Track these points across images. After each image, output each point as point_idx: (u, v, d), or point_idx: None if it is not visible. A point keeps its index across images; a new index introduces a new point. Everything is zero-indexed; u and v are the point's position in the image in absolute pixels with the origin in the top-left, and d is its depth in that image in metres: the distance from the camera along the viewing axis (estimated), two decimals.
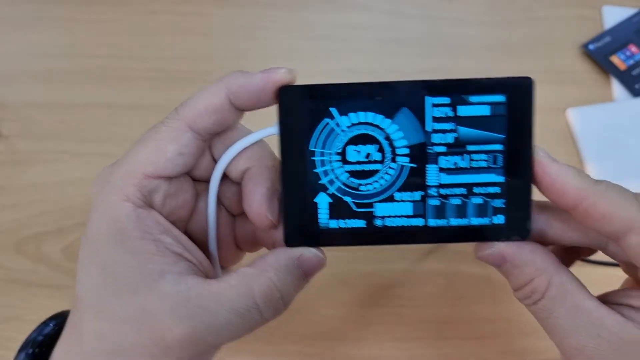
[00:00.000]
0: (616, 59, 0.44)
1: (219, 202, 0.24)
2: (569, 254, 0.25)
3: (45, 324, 0.24)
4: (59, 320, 0.23)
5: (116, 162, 0.22)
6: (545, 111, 0.43)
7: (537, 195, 0.21)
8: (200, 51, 0.45)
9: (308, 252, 0.21)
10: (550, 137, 0.42)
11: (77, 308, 0.21)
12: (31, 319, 0.35)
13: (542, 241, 0.22)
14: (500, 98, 0.21)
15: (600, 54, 0.45)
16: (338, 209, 0.21)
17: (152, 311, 0.19)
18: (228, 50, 0.45)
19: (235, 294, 0.20)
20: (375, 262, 0.37)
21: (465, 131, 0.21)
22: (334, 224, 0.21)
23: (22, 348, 0.23)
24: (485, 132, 0.21)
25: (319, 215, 0.21)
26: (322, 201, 0.21)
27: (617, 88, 0.44)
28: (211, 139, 0.22)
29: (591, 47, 0.45)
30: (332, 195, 0.21)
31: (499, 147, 0.21)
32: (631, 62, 0.44)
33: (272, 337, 0.35)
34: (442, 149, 0.21)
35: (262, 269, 0.20)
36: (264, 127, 0.22)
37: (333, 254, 0.37)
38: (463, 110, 0.21)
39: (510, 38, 0.46)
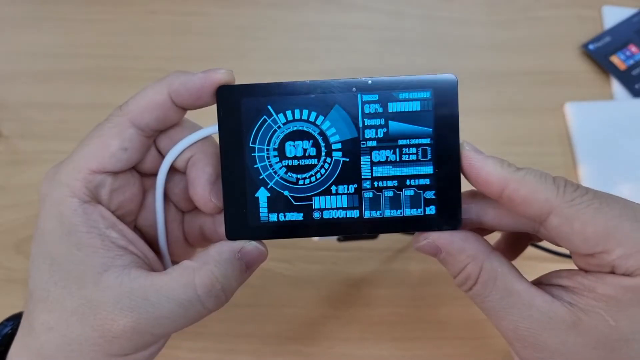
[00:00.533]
0: (616, 59, 0.44)
1: (167, 198, 0.25)
2: (520, 240, 0.26)
3: (2, 324, 0.24)
4: (16, 321, 0.23)
5: (63, 161, 0.22)
6: (545, 110, 0.43)
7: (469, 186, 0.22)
8: (200, 51, 0.45)
9: (249, 245, 0.22)
10: (549, 135, 0.42)
11: (29, 302, 0.21)
12: None
13: (482, 228, 0.23)
14: (426, 94, 0.22)
15: (600, 54, 0.45)
16: (277, 202, 0.22)
17: (96, 303, 0.20)
18: (228, 50, 0.45)
19: (177, 286, 0.20)
20: (376, 262, 0.37)
21: (395, 126, 0.22)
22: (273, 217, 0.22)
23: None
24: (414, 127, 0.22)
25: (260, 209, 0.22)
26: (262, 195, 0.22)
27: (617, 88, 0.44)
28: (156, 135, 0.23)
29: (591, 47, 0.45)
30: (271, 190, 0.22)
31: (427, 140, 0.22)
32: (631, 62, 0.44)
33: (272, 337, 0.35)
34: (374, 143, 0.22)
35: (204, 262, 0.21)
36: (211, 124, 0.23)
37: (334, 253, 0.37)
38: (393, 107, 0.22)
39: (510, 38, 0.46)
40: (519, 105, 0.43)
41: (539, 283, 0.22)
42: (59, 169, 0.22)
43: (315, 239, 0.22)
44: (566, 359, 0.20)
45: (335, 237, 0.28)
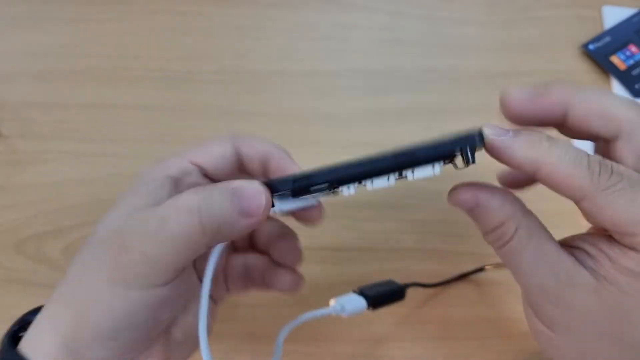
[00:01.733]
0: (616, 59, 0.44)
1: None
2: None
3: (31, 312, 0.26)
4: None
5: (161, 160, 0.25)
6: None
7: None
8: (200, 51, 0.45)
9: (248, 185, 0.21)
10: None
11: (60, 286, 0.23)
12: None
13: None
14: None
15: (600, 54, 0.45)
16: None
17: (123, 236, 0.21)
18: (228, 50, 0.45)
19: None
20: (376, 262, 0.37)
21: None
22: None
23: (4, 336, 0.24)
24: None
25: None
26: None
27: (617, 88, 0.44)
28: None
29: (591, 47, 0.45)
30: None
31: None
32: (631, 62, 0.44)
33: (272, 337, 0.35)
34: None
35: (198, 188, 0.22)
36: None
37: (335, 253, 0.37)
38: None
39: (510, 38, 0.46)
40: None
41: (564, 244, 0.22)
42: (161, 161, 0.24)
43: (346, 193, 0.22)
44: (583, 316, 0.21)
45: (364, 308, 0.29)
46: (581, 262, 0.21)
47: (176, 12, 0.47)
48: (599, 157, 0.20)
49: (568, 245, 0.22)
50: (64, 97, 0.43)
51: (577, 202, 0.21)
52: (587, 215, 0.21)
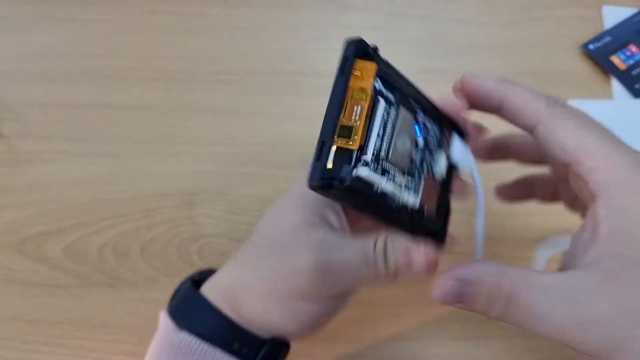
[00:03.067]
0: (616, 59, 0.44)
1: None
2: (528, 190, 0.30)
3: (201, 272, 0.29)
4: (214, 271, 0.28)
5: None
6: None
7: None
8: (200, 51, 0.45)
9: (424, 254, 0.23)
10: None
11: (245, 244, 0.27)
12: (32, 318, 0.36)
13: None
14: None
15: (601, 54, 0.45)
16: None
17: (297, 246, 0.24)
18: (228, 50, 0.45)
19: (361, 243, 0.24)
20: None
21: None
22: None
23: (183, 283, 0.29)
24: None
25: None
26: None
27: (617, 88, 0.44)
28: None
29: (591, 46, 0.45)
30: None
31: None
32: (631, 62, 0.44)
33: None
34: None
35: (393, 239, 0.24)
36: None
37: None
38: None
39: (510, 38, 0.46)
40: None
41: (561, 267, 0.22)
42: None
43: None
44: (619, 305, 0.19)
45: None
46: (577, 268, 0.20)
47: (176, 12, 0.47)
48: (555, 97, 0.23)
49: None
50: (64, 97, 0.43)
51: (533, 129, 0.22)
52: (540, 143, 0.22)
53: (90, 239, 0.38)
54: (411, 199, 0.22)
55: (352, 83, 0.20)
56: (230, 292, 0.26)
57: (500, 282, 0.21)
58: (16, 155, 0.41)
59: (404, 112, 0.22)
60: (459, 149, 0.25)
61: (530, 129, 0.23)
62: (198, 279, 0.28)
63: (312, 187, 0.19)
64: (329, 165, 0.19)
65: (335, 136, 0.19)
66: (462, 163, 0.25)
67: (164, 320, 0.27)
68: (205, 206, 0.39)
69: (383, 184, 0.21)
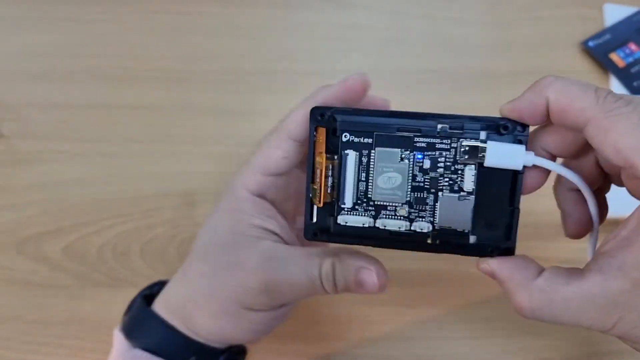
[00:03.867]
0: (615, 57, 0.44)
1: None
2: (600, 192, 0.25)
3: (152, 285, 0.31)
4: (165, 282, 0.29)
5: (245, 163, 0.28)
6: None
7: None
8: (200, 51, 0.45)
9: (367, 273, 0.25)
10: None
11: (189, 257, 0.27)
12: (31, 319, 0.36)
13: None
14: None
15: (600, 51, 0.45)
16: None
17: (244, 261, 0.25)
18: (228, 50, 0.45)
19: (307, 260, 0.25)
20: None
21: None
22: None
23: (134, 298, 0.30)
24: None
25: None
26: None
27: (615, 85, 0.44)
28: None
29: (591, 43, 0.45)
30: None
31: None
32: (630, 59, 0.44)
33: (272, 337, 0.35)
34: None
35: (335, 253, 0.25)
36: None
37: None
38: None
39: (511, 38, 0.46)
40: None
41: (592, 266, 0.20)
42: (241, 171, 0.27)
43: None
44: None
45: None
46: (606, 272, 0.19)
47: (176, 12, 0.47)
48: (608, 89, 0.20)
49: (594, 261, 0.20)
50: (64, 97, 0.43)
51: (583, 129, 0.19)
52: (592, 143, 0.20)
53: (90, 239, 0.38)
54: (422, 225, 0.23)
55: (316, 148, 0.24)
56: (180, 309, 0.27)
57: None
58: (16, 155, 0.41)
59: (382, 151, 0.23)
60: (496, 151, 0.23)
61: (580, 129, 0.20)
62: (149, 293, 0.29)
63: (307, 239, 0.24)
64: (314, 219, 0.24)
65: (311, 198, 0.24)
66: (504, 163, 0.23)
67: (117, 339, 0.27)
68: (205, 206, 0.39)
69: (374, 220, 0.24)
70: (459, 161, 0.23)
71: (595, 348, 0.35)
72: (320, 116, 0.23)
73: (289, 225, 0.28)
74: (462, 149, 0.23)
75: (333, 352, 0.35)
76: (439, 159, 0.23)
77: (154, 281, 0.31)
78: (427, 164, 0.23)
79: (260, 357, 0.34)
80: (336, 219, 0.24)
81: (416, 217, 0.23)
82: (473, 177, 0.23)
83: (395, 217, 0.23)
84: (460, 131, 0.23)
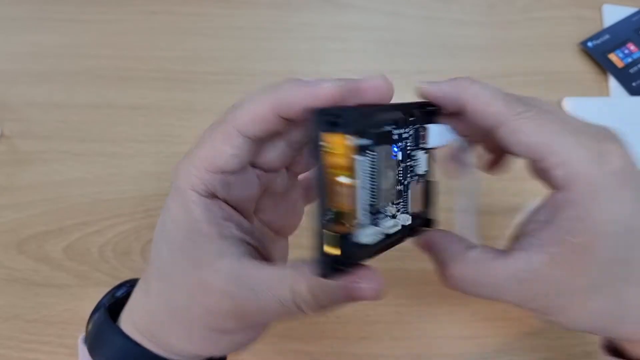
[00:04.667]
0: (614, 57, 0.45)
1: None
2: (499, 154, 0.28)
3: (118, 287, 0.28)
4: (130, 285, 0.27)
5: (186, 155, 0.24)
6: None
7: None
8: (200, 51, 0.45)
9: (366, 284, 0.22)
10: None
11: (148, 271, 0.24)
12: (32, 318, 0.36)
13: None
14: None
15: (599, 52, 0.45)
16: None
17: (206, 284, 0.22)
18: (228, 50, 0.45)
19: (280, 285, 0.21)
20: (375, 261, 0.37)
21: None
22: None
23: (98, 306, 0.27)
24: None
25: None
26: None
27: (614, 86, 0.44)
28: (268, 139, 0.24)
29: (590, 44, 0.45)
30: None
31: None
32: (629, 60, 0.44)
33: (272, 337, 0.35)
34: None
35: (307, 278, 0.21)
36: None
37: None
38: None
39: (510, 38, 0.46)
40: None
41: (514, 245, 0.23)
42: (181, 164, 0.24)
43: None
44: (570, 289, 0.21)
45: None
46: (529, 249, 0.22)
47: (176, 13, 0.47)
48: (516, 94, 0.23)
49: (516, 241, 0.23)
50: (64, 97, 0.43)
51: (495, 130, 0.22)
52: (505, 143, 0.22)
53: (91, 238, 0.38)
54: (404, 217, 0.23)
55: (328, 161, 0.18)
56: (144, 326, 0.24)
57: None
58: (16, 155, 0.41)
59: (380, 149, 0.21)
60: (435, 133, 0.25)
61: (491, 129, 0.22)
62: (113, 302, 0.27)
63: (326, 277, 0.19)
64: (336, 252, 0.19)
65: (328, 224, 0.18)
66: (439, 143, 0.25)
67: (81, 349, 0.26)
68: None
69: (380, 228, 0.21)
70: (415, 147, 0.24)
71: (594, 347, 0.35)
72: (334, 121, 0.18)
73: (250, 225, 0.24)
74: (416, 135, 0.24)
75: (333, 352, 0.35)
76: (407, 149, 0.23)
77: (121, 281, 0.29)
78: (400, 155, 0.23)
79: (261, 356, 0.34)
80: (353, 240, 0.19)
81: (399, 211, 0.23)
82: (425, 160, 0.24)
83: (389, 217, 0.22)
84: (413, 118, 0.23)
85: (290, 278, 0.21)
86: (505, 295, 0.22)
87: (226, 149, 0.22)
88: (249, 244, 0.23)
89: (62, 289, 0.37)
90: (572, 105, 0.42)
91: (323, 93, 0.21)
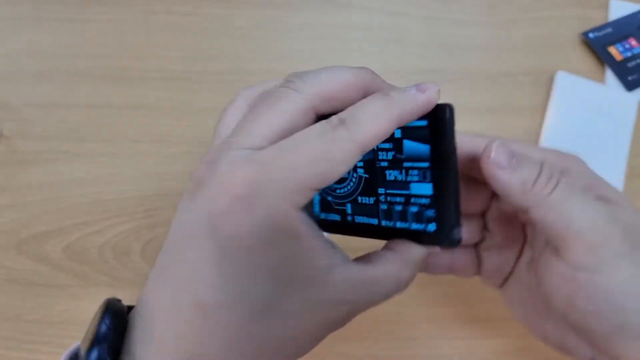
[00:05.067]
0: (614, 50, 0.45)
1: None
2: None
3: (99, 324, 0.21)
4: (115, 319, 0.22)
5: (267, 162, 0.19)
6: (545, 110, 0.43)
7: None
8: (200, 51, 0.45)
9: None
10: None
11: (246, 313, 0.20)
12: (32, 318, 0.36)
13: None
14: (422, 123, 0.22)
15: (599, 44, 0.45)
16: (324, 204, 0.26)
17: (325, 300, 0.21)
18: (228, 50, 0.45)
19: (389, 281, 0.23)
20: None
21: (400, 150, 0.23)
22: (323, 215, 0.26)
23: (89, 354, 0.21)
24: (414, 152, 0.23)
25: (314, 207, 0.27)
26: (316, 197, 0.26)
27: (610, 79, 0.44)
28: None
29: (591, 35, 0.45)
30: (320, 194, 0.26)
31: (425, 164, 0.23)
32: (629, 54, 0.45)
33: None
34: (385, 164, 0.24)
35: (407, 261, 0.23)
36: None
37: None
38: (397, 133, 0.23)
39: (510, 38, 0.46)
40: (519, 105, 0.43)
41: None
42: (272, 175, 0.19)
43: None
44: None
45: None
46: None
47: (176, 12, 0.47)
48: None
49: None
50: (64, 97, 0.43)
51: (525, 211, 0.23)
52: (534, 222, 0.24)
53: (91, 239, 0.38)
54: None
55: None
56: None
57: None
58: (16, 155, 0.41)
59: None
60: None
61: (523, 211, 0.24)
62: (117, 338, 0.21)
63: (459, 242, 0.22)
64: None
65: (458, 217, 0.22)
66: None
67: None
68: None
69: None
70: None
71: None
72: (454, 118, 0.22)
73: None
74: None
75: (333, 352, 0.35)
76: None
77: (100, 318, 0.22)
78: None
79: None
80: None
81: None
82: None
83: None
84: None
85: (395, 272, 0.23)
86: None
87: (343, 169, 0.20)
88: (336, 246, 0.22)
89: (62, 289, 0.37)
90: (563, 81, 0.43)
91: (434, 99, 0.21)
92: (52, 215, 0.39)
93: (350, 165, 0.20)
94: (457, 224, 0.22)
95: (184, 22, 0.46)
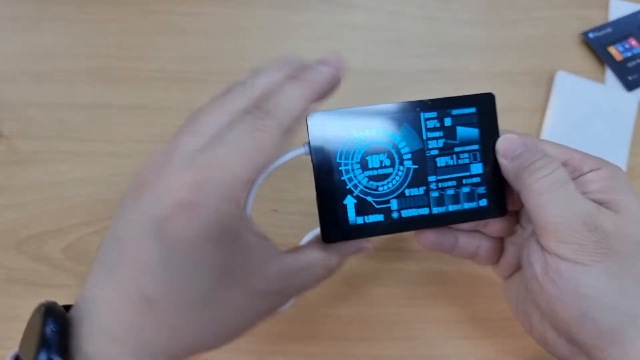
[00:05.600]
0: (614, 50, 0.45)
1: None
2: None
3: (43, 328, 0.22)
4: (59, 321, 0.22)
5: (207, 161, 0.21)
6: (545, 110, 0.43)
7: None
8: (200, 51, 0.45)
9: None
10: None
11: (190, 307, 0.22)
12: None
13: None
14: (472, 110, 0.26)
15: (599, 43, 0.45)
16: (362, 206, 0.26)
17: (258, 292, 0.23)
18: (228, 50, 0.45)
19: (318, 268, 0.25)
20: (375, 262, 0.37)
21: (453, 136, 0.26)
22: (360, 220, 0.26)
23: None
24: (466, 136, 0.26)
25: (348, 214, 0.26)
26: (350, 202, 0.26)
27: (610, 78, 0.44)
28: None
29: (591, 35, 0.45)
30: (356, 197, 0.26)
31: (476, 147, 0.27)
32: (629, 54, 0.45)
33: (272, 337, 0.35)
34: (436, 152, 0.26)
35: (337, 253, 0.26)
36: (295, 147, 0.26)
37: None
38: (448, 121, 0.26)
39: (511, 38, 0.46)
40: (519, 105, 0.43)
41: None
42: (212, 175, 0.21)
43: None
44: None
45: None
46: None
47: (176, 12, 0.47)
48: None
49: None
50: (64, 97, 0.43)
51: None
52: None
53: (91, 239, 0.38)
54: None
55: None
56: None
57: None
58: (16, 155, 0.41)
59: None
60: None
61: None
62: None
63: (507, 211, 0.27)
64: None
65: None
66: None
67: None
68: None
69: None
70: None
71: None
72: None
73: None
74: None
75: (333, 352, 0.35)
76: None
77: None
78: None
79: (260, 357, 0.34)
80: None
81: None
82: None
83: None
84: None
85: (323, 259, 0.25)
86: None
87: (274, 154, 0.22)
88: (269, 238, 0.24)
89: (61, 289, 0.36)
90: (563, 81, 0.43)
91: (341, 69, 0.24)
92: (51, 215, 0.39)
93: (280, 148, 0.22)
94: (505, 195, 0.27)
95: (184, 22, 0.46)
